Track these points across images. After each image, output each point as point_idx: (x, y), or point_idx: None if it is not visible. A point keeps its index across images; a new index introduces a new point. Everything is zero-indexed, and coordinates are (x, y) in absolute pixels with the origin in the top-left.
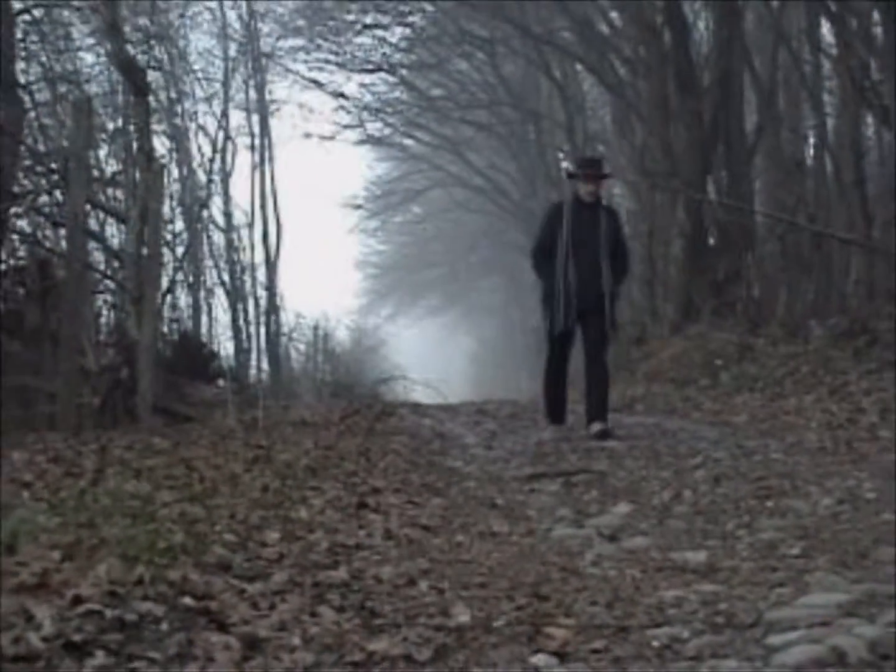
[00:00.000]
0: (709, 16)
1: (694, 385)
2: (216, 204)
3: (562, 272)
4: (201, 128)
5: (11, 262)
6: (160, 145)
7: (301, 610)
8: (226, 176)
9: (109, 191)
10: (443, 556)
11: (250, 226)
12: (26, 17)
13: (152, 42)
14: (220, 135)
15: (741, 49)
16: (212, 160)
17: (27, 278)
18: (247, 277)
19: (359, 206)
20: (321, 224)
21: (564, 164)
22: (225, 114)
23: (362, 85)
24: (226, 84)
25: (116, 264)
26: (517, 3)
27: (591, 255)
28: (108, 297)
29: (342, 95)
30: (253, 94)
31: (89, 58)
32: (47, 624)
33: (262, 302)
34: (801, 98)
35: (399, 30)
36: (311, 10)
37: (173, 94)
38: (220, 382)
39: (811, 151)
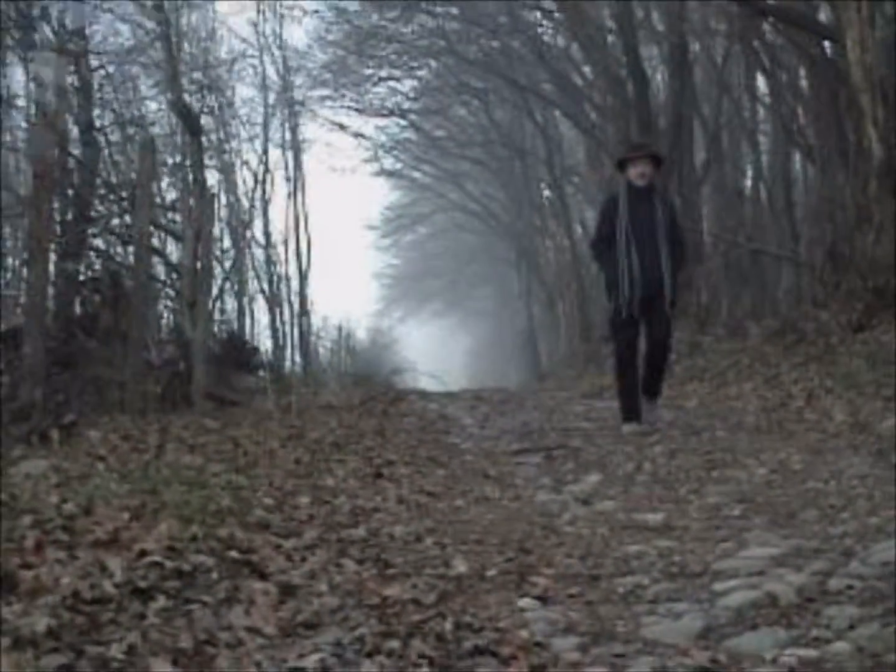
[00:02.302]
0: (664, 70)
1: None
2: (257, 225)
3: (623, 259)
4: (245, 163)
5: (89, 273)
6: (211, 177)
7: (327, 562)
8: (265, 202)
9: (169, 215)
10: (445, 518)
11: (286, 243)
12: (101, 71)
13: (205, 92)
14: (261, 168)
15: (691, 98)
16: (254, 189)
17: (101, 287)
18: (283, 286)
19: (375, 227)
20: (344, 242)
21: (547, 193)
22: (265, 151)
23: (378, 127)
24: (265, 126)
25: (175, 276)
26: (506, 60)
27: (651, 241)
28: (168, 303)
29: (362, 135)
30: (288, 134)
31: (153, 105)
32: (118, 573)
33: (296, 307)
34: (741, 138)
35: (409, 82)
36: (336, 65)
37: (222, 135)
38: (261, 373)
39: (749, 182)
